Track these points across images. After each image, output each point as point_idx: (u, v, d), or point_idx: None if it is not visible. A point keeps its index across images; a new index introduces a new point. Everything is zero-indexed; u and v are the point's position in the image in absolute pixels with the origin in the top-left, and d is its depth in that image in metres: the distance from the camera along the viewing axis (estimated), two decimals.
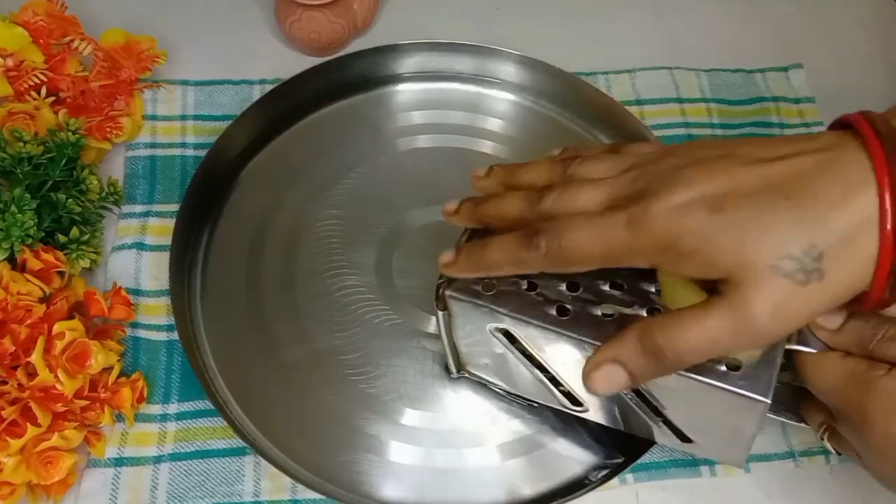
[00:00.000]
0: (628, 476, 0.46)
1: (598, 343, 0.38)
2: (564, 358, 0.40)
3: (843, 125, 0.34)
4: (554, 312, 0.39)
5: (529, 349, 0.41)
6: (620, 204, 0.34)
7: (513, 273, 0.38)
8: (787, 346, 0.38)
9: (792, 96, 0.62)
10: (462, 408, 0.48)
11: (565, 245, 0.35)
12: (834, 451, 0.41)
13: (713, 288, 0.33)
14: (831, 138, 0.33)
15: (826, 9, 0.69)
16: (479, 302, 0.40)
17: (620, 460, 0.45)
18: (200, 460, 0.46)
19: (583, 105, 0.59)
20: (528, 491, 0.46)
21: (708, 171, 0.33)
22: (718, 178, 0.32)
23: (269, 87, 0.58)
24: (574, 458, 0.47)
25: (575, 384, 0.42)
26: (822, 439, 0.40)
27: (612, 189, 0.35)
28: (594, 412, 0.44)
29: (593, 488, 0.45)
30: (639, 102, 0.61)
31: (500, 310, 0.40)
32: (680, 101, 0.62)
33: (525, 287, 0.40)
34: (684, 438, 0.42)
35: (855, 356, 0.37)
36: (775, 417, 0.42)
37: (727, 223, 0.31)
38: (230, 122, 0.54)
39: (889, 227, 0.30)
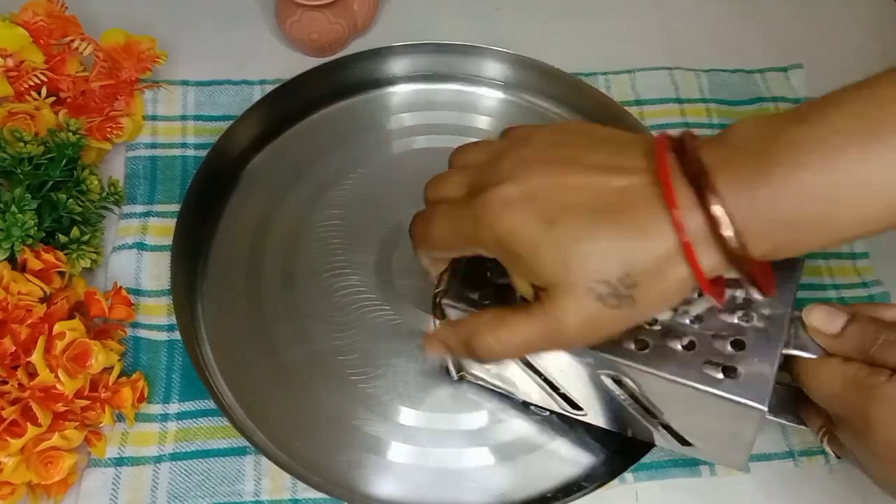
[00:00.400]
0: (628, 476, 0.46)
1: (594, 350, 0.38)
2: (561, 364, 0.40)
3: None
4: None
5: (527, 356, 0.41)
6: (472, 192, 0.36)
7: (418, 247, 0.40)
8: (784, 352, 0.37)
9: (791, 96, 0.62)
10: (462, 408, 0.48)
11: (429, 232, 0.38)
12: (834, 455, 0.40)
13: (535, 287, 0.35)
14: (649, 176, 0.33)
15: (826, 9, 0.69)
16: (475, 311, 0.40)
17: (620, 460, 0.45)
18: (201, 460, 0.46)
19: (582, 105, 0.59)
20: (529, 491, 0.46)
21: (544, 173, 0.34)
22: (553, 181, 0.33)
23: (269, 88, 0.58)
24: (574, 458, 0.47)
25: (573, 389, 0.42)
26: (822, 443, 0.40)
27: (471, 178, 0.37)
28: (593, 416, 0.44)
29: (594, 488, 0.45)
30: (638, 103, 0.61)
31: None
32: (679, 101, 0.62)
33: (520, 296, 0.40)
34: (684, 442, 0.42)
35: (855, 361, 0.36)
36: (775, 419, 0.41)
37: (556, 240, 0.32)
38: (230, 122, 0.54)
39: (693, 264, 0.31)
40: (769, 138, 0.32)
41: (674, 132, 0.34)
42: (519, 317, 0.35)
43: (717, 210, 0.30)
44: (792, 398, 0.41)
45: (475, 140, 0.41)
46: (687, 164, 0.32)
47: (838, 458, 0.40)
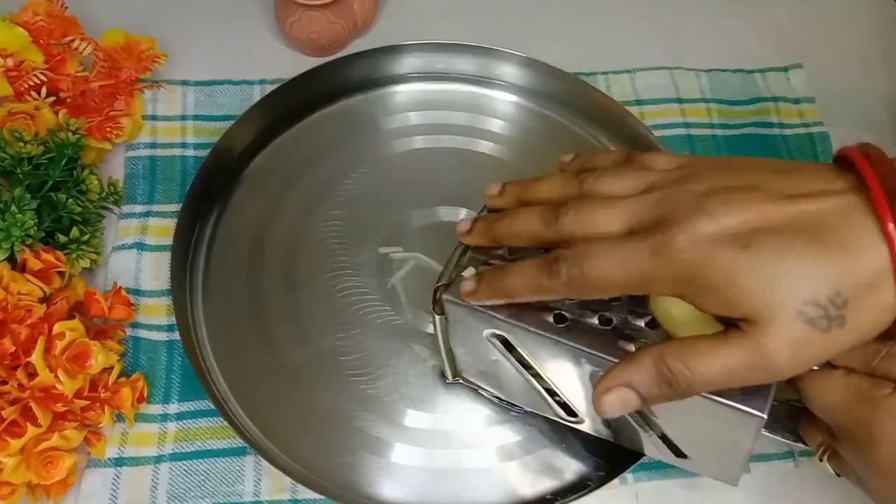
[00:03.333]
0: (628, 476, 0.46)
1: (595, 352, 0.37)
2: (560, 366, 0.40)
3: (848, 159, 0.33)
4: (551, 319, 0.39)
5: (525, 357, 0.41)
6: (642, 230, 0.33)
7: (534, 300, 0.37)
8: None
9: (792, 96, 0.62)
10: (463, 409, 0.48)
11: (587, 273, 0.34)
12: (834, 473, 0.39)
13: (729, 321, 0.32)
14: (852, 180, 0.33)
15: (826, 9, 0.69)
16: (477, 307, 0.40)
17: (621, 460, 0.45)
18: (200, 460, 0.46)
19: (582, 105, 0.59)
20: (529, 492, 0.46)
21: (735, 204, 0.32)
22: (745, 212, 0.32)
23: (269, 88, 0.58)
24: (574, 458, 0.47)
25: (570, 394, 0.42)
26: (822, 460, 0.39)
27: (633, 212, 0.34)
28: (588, 423, 0.44)
29: (594, 488, 0.45)
30: (639, 102, 0.61)
31: (497, 315, 0.39)
32: (680, 101, 0.62)
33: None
34: (679, 453, 0.41)
35: (858, 373, 0.36)
36: (772, 436, 0.41)
37: (754, 263, 0.31)
38: (230, 122, 0.54)
39: None
40: None
41: (857, 146, 0.33)
42: (716, 345, 0.32)
43: None
44: (789, 415, 0.41)
45: (593, 163, 0.39)
46: (885, 177, 0.31)
47: (838, 475, 0.39)
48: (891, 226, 0.30)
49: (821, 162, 0.33)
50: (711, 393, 0.36)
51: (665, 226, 0.32)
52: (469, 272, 0.41)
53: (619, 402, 0.35)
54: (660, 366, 0.33)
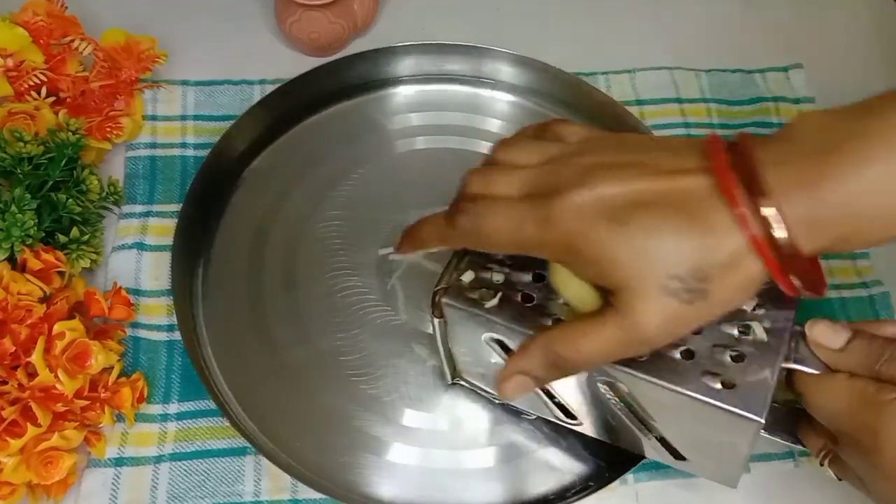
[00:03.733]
0: (628, 476, 0.46)
1: None
2: None
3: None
4: (549, 324, 0.39)
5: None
6: (533, 195, 0.35)
7: (442, 248, 0.40)
8: (785, 365, 0.37)
9: (792, 96, 0.62)
10: (463, 409, 0.48)
11: (481, 227, 0.36)
12: (835, 477, 0.39)
13: (605, 292, 0.34)
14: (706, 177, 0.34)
15: (826, 9, 0.69)
16: (475, 311, 0.40)
17: (621, 461, 0.45)
18: (200, 460, 0.46)
19: (583, 105, 0.59)
20: (529, 492, 0.46)
21: (613, 179, 0.34)
22: (622, 187, 0.33)
23: (269, 88, 0.58)
24: (574, 459, 0.47)
25: (568, 396, 0.42)
26: (823, 465, 0.39)
27: (528, 180, 0.36)
28: (587, 426, 0.44)
29: (594, 489, 0.45)
30: (639, 102, 0.61)
31: (495, 319, 0.39)
32: (680, 101, 0.62)
33: (520, 298, 0.40)
34: (678, 456, 0.41)
35: (861, 378, 0.36)
36: (772, 438, 0.41)
37: (625, 238, 0.32)
38: (230, 122, 0.54)
39: (766, 258, 0.32)
40: (831, 131, 0.32)
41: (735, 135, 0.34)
42: (595, 324, 0.34)
43: (769, 211, 0.31)
44: (789, 417, 0.41)
45: (519, 136, 0.41)
46: (740, 164, 0.32)
47: (839, 479, 0.39)
48: (742, 209, 0.31)
49: (704, 139, 0.35)
50: (709, 397, 0.36)
51: (550, 194, 0.34)
52: (468, 276, 0.41)
53: (518, 386, 0.37)
54: (547, 353, 0.36)
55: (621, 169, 0.34)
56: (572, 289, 0.36)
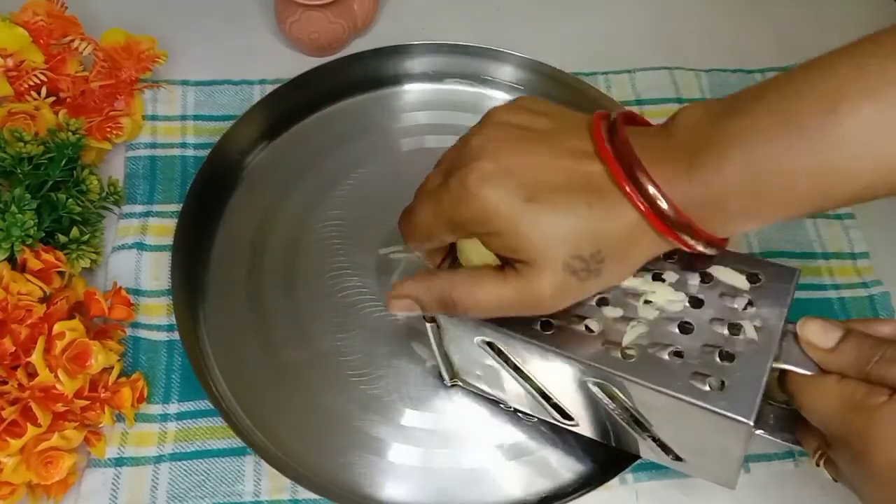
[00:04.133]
0: (628, 476, 0.46)
1: (580, 359, 0.38)
2: (550, 371, 0.40)
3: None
4: (538, 327, 0.39)
5: (516, 362, 0.41)
6: (447, 176, 0.37)
7: (409, 241, 0.41)
8: (776, 366, 0.37)
9: None
10: (463, 409, 0.48)
11: (414, 222, 0.39)
12: (831, 478, 0.39)
13: (507, 261, 0.36)
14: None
15: (826, 9, 0.69)
16: (465, 316, 0.40)
17: (620, 460, 0.45)
18: (200, 460, 0.46)
19: (583, 105, 0.58)
20: (529, 491, 0.46)
21: (519, 151, 0.36)
22: (528, 159, 0.36)
23: (269, 88, 0.58)
24: (574, 458, 0.47)
25: (563, 397, 0.42)
26: (819, 465, 0.39)
27: (447, 163, 0.39)
28: (584, 426, 0.44)
29: (594, 488, 0.45)
30: (639, 102, 0.61)
31: (483, 322, 0.39)
32: (680, 101, 0.62)
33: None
34: (675, 456, 0.41)
35: (852, 380, 0.35)
36: (770, 438, 0.40)
37: (535, 216, 0.34)
38: (230, 122, 0.54)
39: (657, 225, 0.34)
40: (705, 128, 0.34)
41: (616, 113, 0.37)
42: (495, 279, 0.37)
43: (653, 191, 0.34)
44: (789, 417, 0.40)
45: None
46: (622, 154, 0.35)
47: (835, 480, 0.39)
48: (627, 187, 0.34)
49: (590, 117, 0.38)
50: (697, 399, 0.35)
51: (460, 168, 0.36)
52: None
53: (405, 307, 0.40)
54: (443, 293, 0.38)
55: (526, 143, 0.36)
56: (477, 257, 0.38)
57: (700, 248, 0.35)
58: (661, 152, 0.34)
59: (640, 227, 0.35)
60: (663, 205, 0.34)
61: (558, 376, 0.40)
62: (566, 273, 0.35)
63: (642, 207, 0.34)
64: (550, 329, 0.39)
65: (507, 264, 0.37)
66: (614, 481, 0.45)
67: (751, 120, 0.33)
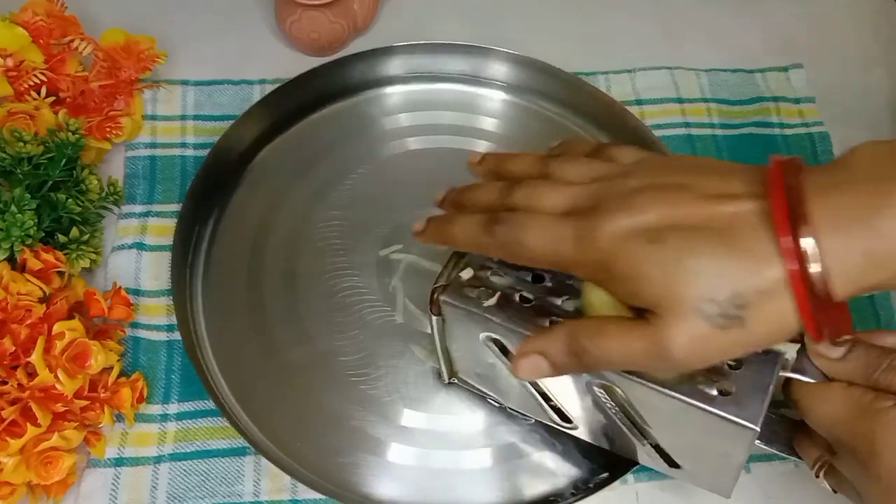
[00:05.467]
0: (628, 476, 0.46)
1: None
2: None
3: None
4: (546, 324, 0.39)
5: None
6: (576, 213, 0.35)
7: (472, 251, 0.39)
8: (782, 374, 0.37)
9: (792, 96, 0.62)
10: (462, 409, 0.48)
11: (520, 239, 0.36)
12: (830, 490, 0.39)
13: (638, 311, 0.34)
14: (757, 200, 0.33)
15: (826, 9, 0.69)
16: (473, 309, 0.40)
17: (621, 461, 0.45)
18: (200, 460, 0.46)
19: (582, 105, 0.59)
20: (529, 492, 0.46)
21: (658, 202, 0.33)
22: (665, 210, 0.33)
23: (268, 87, 0.58)
24: (574, 459, 0.47)
25: (564, 399, 0.42)
26: (818, 476, 0.39)
27: (574, 197, 0.36)
28: (583, 430, 0.44)
29: (594, 489, 0.45)
30: (639, 102, 0.61)
31: (493, 318, 0.39)
32: (680, 101, 0.62)
33: (518, 299, 0.40)
34: (672, 464, 0.41)
35: (858, 386, 0.35)
36: (767, 448, 0.40)
37: (660, 257, 0.32)
38: (230, 122, 0.54)
39: (798, 293, 0.31)
40: (886, 164, 0.31)
41: (788, 158, 0.33)
42: (621, 328, 0.34)
43: (807, 242, 0.30)
44: (785, 428, 0.40)
45: (572, 149, 0.41)
46: (791, 193, 0.31)
47: (835, 492, 0.39)
48: (784, 243, 0.30)
49: (759, 166, 0.34)
50: (704, 403, 0.35)
51: (592, 214, 0.34)
52: (467, 274, 0.41)
53: (533, 367, 0.37)
54: (570, 341, 0.35)
55: (666, 191, 0.34)
56: (603, 305, 0.36)
57: (822, 343, 0.33)
58: (831, 188, 0.31)
59: (783, 287, 0.31)
60: (814, 267, 0.30)
61: (562, 378, 0.40)
62: (699, 319, 0.31)
63: (791, 267, 0.30)
64: None
65: (638, 315, 0.34)
66: (615, 482, 0.45)
67: None
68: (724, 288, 0.31)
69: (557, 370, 0.37)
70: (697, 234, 0.32)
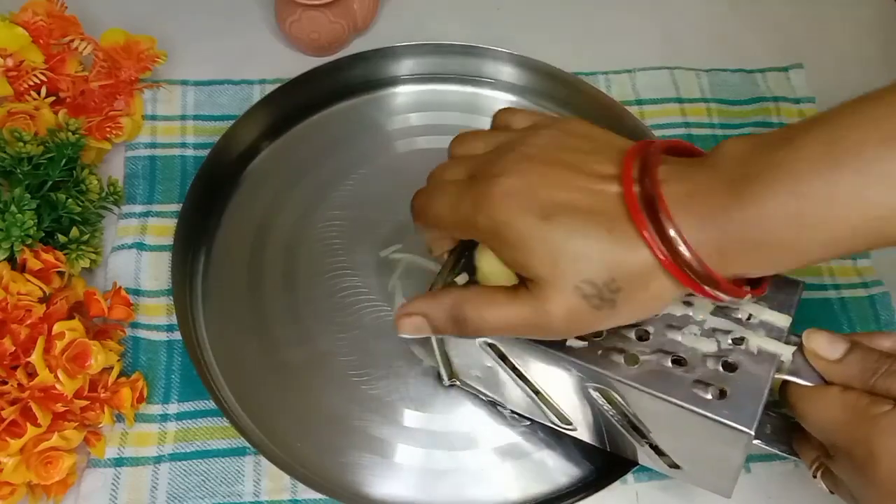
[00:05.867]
0: (628, 476, 0.46)
1: (581, 363, 0.38)
2: (551, 375, 0.40)
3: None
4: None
5: (517, 365, 0.41)
6: (474, 177, 0.37)
7: (422, 225, 0.41)
8: (778, 376, 0.37)
9: (792, 96, 0.62)
10: (463, 409, 0.48)
11: (428, 207, 0.39)
12: (827, 491, 0.39)
13: (521, 278, 0.36)
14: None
15: (826, 9, 0.69)
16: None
17: (621, 461, 0.45)
18: (200, 460, 0.46)
19: (582, 105, 0.59)
20: (529, 492, 0.46)
21: (546, 174, 0.35)
22: (553, 183, 0.35)
23: (269, 87, 0.58)
24: (575, 459, 0.47)
25: (562, 401, 0.42)
26: (815, 477, 0.39)
27: (474, 165, 0.38)
28: (582, 431, 0.44)
29: (595, 489, 0.45)
30: (639, 102, 0.61)
31: None
32: (680, 101, 0.62)
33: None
34: (672, 465, 0.41)
35: (856, 390, 0.35)
36: (767, 448, 0.40)
37: (548, 235, 0.34)
38: (230, 122, 0.54)
39: (677, 275, 0.33)
40: (749, 162, 0.32)
41: (648, 142, 0.35)
42: (506, 298, 0.36)
43: (673, 233, 0.32)
44: (786, 428, 0.40)
45: (475, 130, 0.42)
46: (646, 186, 0.33)
47: (831, 493, 0.38)
48: (646, 232, 0.32)
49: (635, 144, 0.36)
50: (699, 407, 0.35)
51: (485, 178, 0.36)
52: (462, 279, 0.41)
53: (413, 326, 0.39)
54: (454, 309, 0.37)
55: (557, 166, 0.35)
56: (492, 273, 0.38)
57: (724, 297, 0.34)
58: (697, 186, 0.33)
59: (658, 269, 0.33)
60: (685, 252, 0.32)
61: (559, 380, 0.40)
62: (577, 297, 0.34)
63: (661, 256, 0.32)
64: None
65: (521, 284, 0.36)
66: (615, 482, 0.45)
67: (798, 150, 0.31)
68: (603, 273, 0.33)
69: (438, 332, 0.39)
70: (584, 216, 0.34)
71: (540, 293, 0.34)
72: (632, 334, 0.38)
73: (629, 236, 0.33)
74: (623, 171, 0.34)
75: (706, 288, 0.33)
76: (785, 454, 0.40)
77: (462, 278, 0.41)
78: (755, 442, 0.39)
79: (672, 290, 0.34)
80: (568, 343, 0.38)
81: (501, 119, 0.42)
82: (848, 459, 0.35)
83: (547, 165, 0.36)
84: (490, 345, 0.41)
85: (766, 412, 0.40)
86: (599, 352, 0.38)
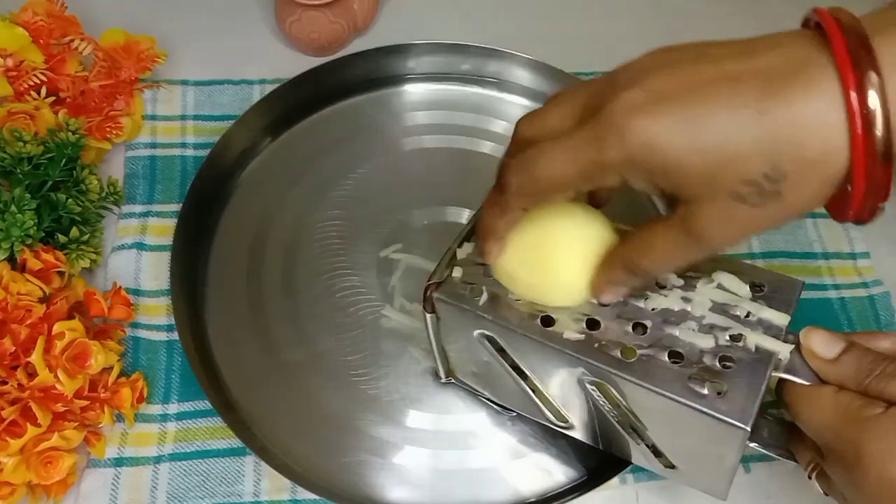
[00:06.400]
0: (628, 476, 0.46)
1: (578, 356, 0.38)
2: (549, 370, 0.40)
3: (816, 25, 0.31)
4: (538, 322, 0.39)
5: (514, 359, 0.41)
6: (584, 117, 0.32)
7: (507, 224, 0.37)
8: (775, 374, 0.37)
9: None
10: (463, 409, 0.48)
11: (536, 175, 0.33)
12: (822, 492, 0.38)
13: (671, 198, 0.32)
14: (816, 39, 0.31)
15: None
16: (466, 306, 0.40)
17: (621, 460, 0.45)
18: (200, 460, 0.46)
19: None
20: (530, 491, 0.46)
21: (675, 75, 0.31)
22: (687, 83, 0.30)
23: (269, 87, 0.58)
24: (575, 458, 0.47)
25: (560, 399, 0.42)
26: (811, 478, 0.38)
27: (581, 105, 0.33)
28: (579, 429, 0.44)
29: (595, 488, 0.45)
30: None
31: (486, 315, 0.39)
32: None
33: (509, 294, 0.40)
34: (668, 465, 0.41)
35: (849, 391, 0.35)
36: (763, 451, 0.40)
37: (697, 146, 0.29)
38: (230, 122, 0.54)
39: (856, 142, 0.28)
40: None
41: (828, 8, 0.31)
42: (661, 233, 0.33)
43: (874, 80, 0.27)
44: (783, 430, 0.40)
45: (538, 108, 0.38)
46: (851, 39, 0.28)
47: (826, 494, 0.38)
48: (850, 73, 0.28)
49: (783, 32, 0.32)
50: (694, 402, 0.35)
51: (601, 107, 0.31)
52: (458, 272, 0.41)
53: (613, 293, 0.38)
54: (627, 263, 0.36)
55: (680, 64, 0.31)
56: (516, 272, 0.38)
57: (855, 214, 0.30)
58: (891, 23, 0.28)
59: (835, 152, 0.28)
60: (873, 103, 0.27)
61: (555, 374, 0.40)
62: (734, 201, 0.30)
63: (854, 107, 0.27)
64: (551, 325, 0.39)
65: (671, 209, 0.32)
66: (614, 480, 0.45)
67: None
68: (761, 164, 0.29)
69: (631, 288, 0.38)
70: (728, 103, 0.29)
71: (690, 214, 0.31)
72: (629, 328, 0.38)
73: (790, 101, 0.28)
74: (821, 14, 0.30)
75: (864, 177, 0.28)
76: (781, 457, 0.40)
77: (458, 271, 0.41)
78: (752, 445, 0.39)
79: (839, 173, 0.29)
80: (565, 336, 0.38)
81: (557, 99, 0.36)
82: (839, 460, 0.35)
83: (668, 67, 0.31)
84: (488, 337, 0.41)
85: (763, 416, 0.40)
86: (596, 345, 0.38)
